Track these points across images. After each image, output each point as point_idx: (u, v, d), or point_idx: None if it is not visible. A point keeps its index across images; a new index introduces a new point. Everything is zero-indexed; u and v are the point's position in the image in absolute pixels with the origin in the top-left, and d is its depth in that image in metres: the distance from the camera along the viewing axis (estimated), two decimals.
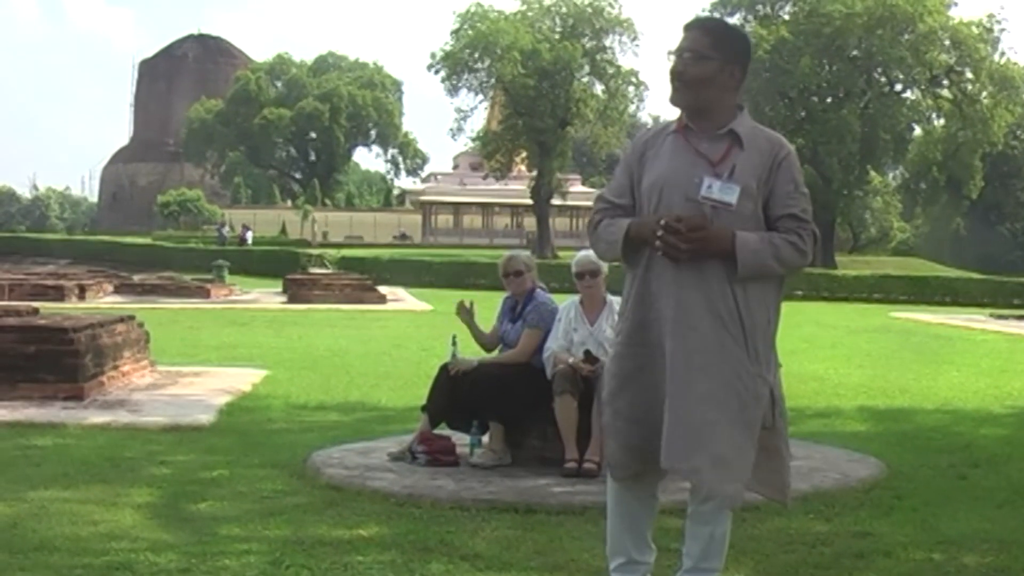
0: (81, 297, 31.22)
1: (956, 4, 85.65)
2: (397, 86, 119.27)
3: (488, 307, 8.93)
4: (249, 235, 72.85)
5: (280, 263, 49.03)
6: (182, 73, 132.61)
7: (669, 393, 4.32)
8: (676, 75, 4.44)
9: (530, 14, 79.43)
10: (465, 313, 8.42)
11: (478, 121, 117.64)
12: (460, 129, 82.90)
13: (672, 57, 4.57)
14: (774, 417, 4.49)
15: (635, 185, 4.53)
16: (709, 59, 4.38)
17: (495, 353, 8.41)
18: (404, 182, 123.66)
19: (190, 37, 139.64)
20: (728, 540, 4.60)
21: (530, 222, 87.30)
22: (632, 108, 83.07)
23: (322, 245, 70.08)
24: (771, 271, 4.39)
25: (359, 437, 8.95)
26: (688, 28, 4.48)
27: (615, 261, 4.66)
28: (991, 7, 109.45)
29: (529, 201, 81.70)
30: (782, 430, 4.58)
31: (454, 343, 8.30)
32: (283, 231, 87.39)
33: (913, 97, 78.76)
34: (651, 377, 4.41)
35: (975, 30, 74.42)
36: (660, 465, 4.38)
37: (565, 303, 7.93)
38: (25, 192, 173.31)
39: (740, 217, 4.34)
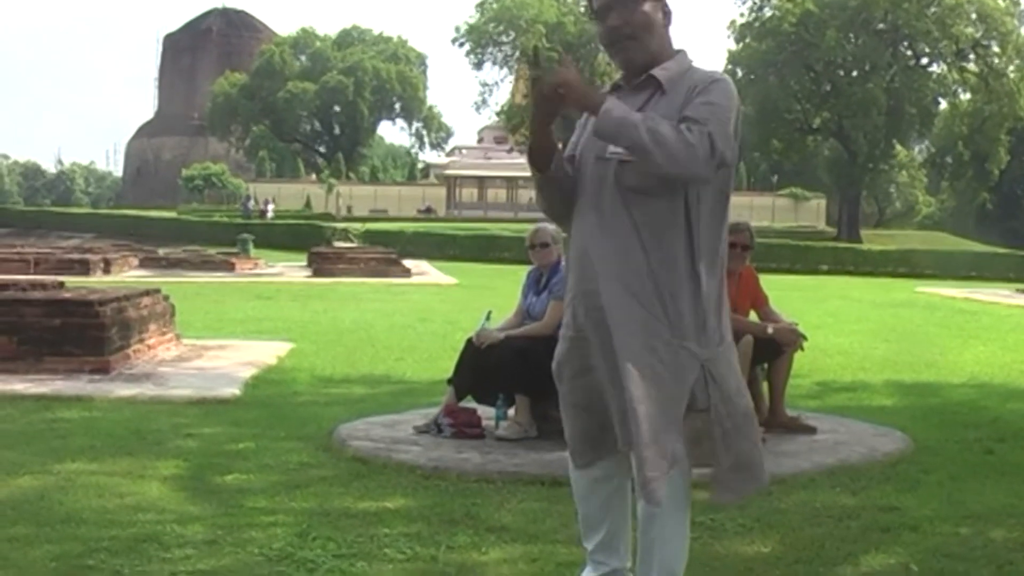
0: (106, 271, 31.35)
1: None
2: (421, 60, 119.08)
3: (512, 280, 8.91)
4: (271, 208, 72.91)
5: (305, 237, 49.07)
6: (206, 47, 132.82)
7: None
8: (616, 32, 3.90)
9: None
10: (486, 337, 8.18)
11: (503, 95, 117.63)
12: (484, 103, 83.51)
13: (598, 24, 4.00)
14: (709, 398, 3.81)
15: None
16: (641, 1, 3.88)
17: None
18: (429, 156, 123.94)
19: (214, 11, 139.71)
20: (680, 552, 4.00)
21: None
22: None
23: (347, 219, 70.11)
24: (637, 138, 3.62)
25: (385, 410, 8.94)
26: None
27: (550, 213, 4.19)
28: None
29: None
30: (723, 415, 3.84)
31: (488, 318, 8.23)
32: (307, 205, 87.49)
33: (939, 71, 78.55)
34: (588, 354, 4.00)
35: (1001, 3, 74.18)
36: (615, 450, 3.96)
37: None
38: (50, 167, 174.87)
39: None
